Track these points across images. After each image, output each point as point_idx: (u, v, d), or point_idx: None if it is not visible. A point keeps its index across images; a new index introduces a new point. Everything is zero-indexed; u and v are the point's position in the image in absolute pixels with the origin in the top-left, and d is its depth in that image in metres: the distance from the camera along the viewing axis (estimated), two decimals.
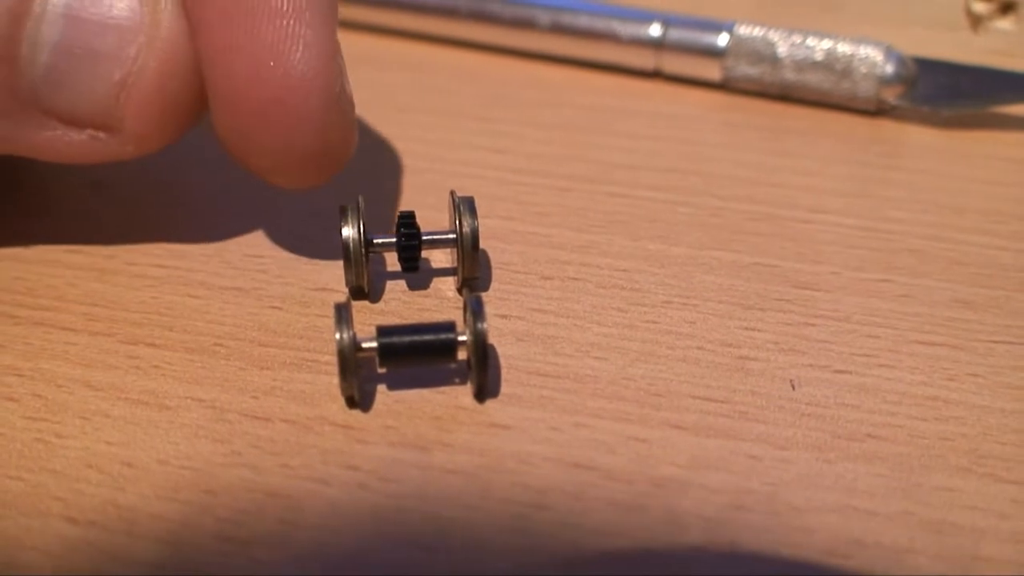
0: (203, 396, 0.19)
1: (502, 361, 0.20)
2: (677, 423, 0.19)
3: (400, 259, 0.21)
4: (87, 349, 0.20)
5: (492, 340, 0.20)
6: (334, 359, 0.19)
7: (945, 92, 0.27)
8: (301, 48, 0.19)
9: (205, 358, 0.20)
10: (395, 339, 0.19)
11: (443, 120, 0.28)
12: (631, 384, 0.20)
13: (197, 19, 0.19)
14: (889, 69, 0.27)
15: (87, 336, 0.20)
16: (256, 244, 0.23)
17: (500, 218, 0.24)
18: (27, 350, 0.20)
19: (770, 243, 0.23)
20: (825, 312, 0.21)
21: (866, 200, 0.24)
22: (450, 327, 0.19)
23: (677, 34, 0.29)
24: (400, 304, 0.21)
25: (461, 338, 0.19)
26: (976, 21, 0.32)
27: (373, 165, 0.25)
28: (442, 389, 0.19)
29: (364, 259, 0.21)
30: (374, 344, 0.19)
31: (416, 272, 0.22)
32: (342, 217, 0.20)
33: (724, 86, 0.29)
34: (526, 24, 0.30)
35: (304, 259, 0.22)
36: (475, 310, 0.18)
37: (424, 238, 0.21)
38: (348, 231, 0.20)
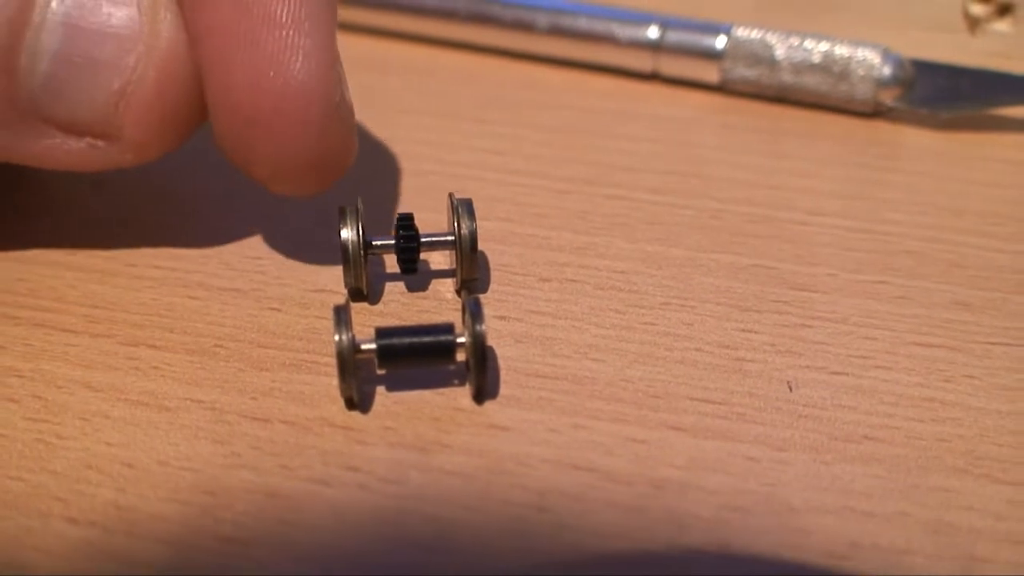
0: (203, 397, 0.19)
1: (501, 363, 0.20)
2: (675, 425, 0.19)
3: (399, 261, 0.21)
4: (87, 350, 0.20)
5: (491, 342, 0.20)
6: (333, 360, 0.19)
7: (943, 94, 0.27)
8: (300, 58, 0.19)
9: (205, 359, 0.20)
10: (394, 341, 0.19)
11: (442, 122, 0.28)
12: (629, 386, 0.20)
13: (196, 29, 0.19)
14: (887, 71, 0.27)
15: (87, 337, 0.21)
16: (255, 246, 0.23)
17: (498, 220, 0.24)
18: (27, 351, 0.20)
19: (768, 245, 0.23)
20: (822, 314, 0.21)
21: (864, 202, 0.25)
22: (449, 329, 0.19)
23: (675, 36, 0.29)
24: (399, 306, 0.21)
25: (460, 340, 0.19)
26: (974, 23, 0.32)
27: (372, 167, 0.26)
28: (441, 391, 0.19)
29: (363, 261, 0.21)
30: (373, 346, 0.19)
31: (415, 274, 0.22)
32: (341, 219, 0.21)
33: (722, 88, 0.29)
34: (525, 26, 0.30)
35: (303, 261, 0.22)
36: (474, 312, 0.19)
37: (423, 240, 0.21)
38: (347, 233, 0.20)
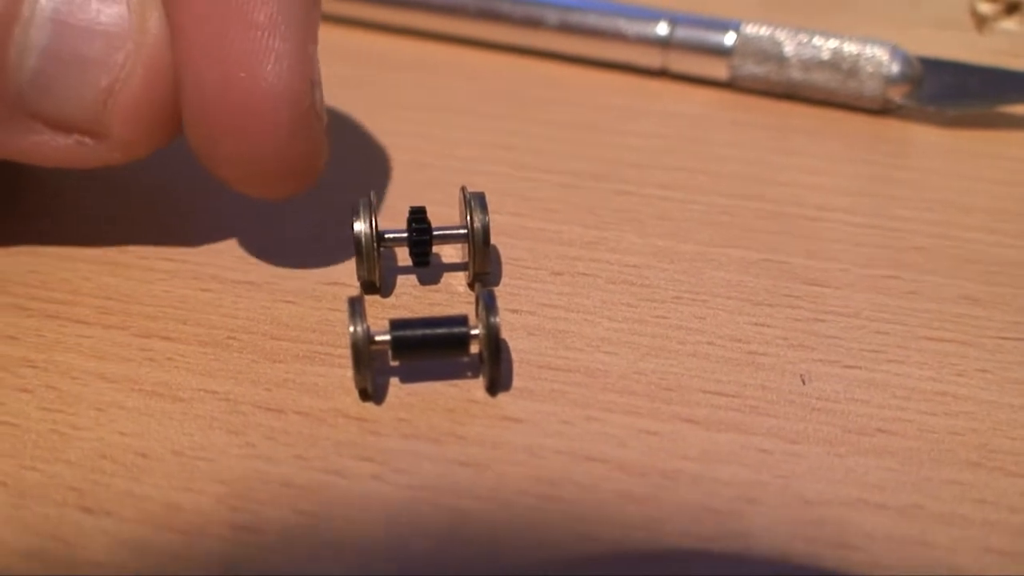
0: (217, 388, 0.19)
1: (513, 355, 0.20)
2: (688, 417, 0.19)
3: (411, 254, 0.21)
4: (101, 342, 0.20)
5: (503, 334, 0.20)
6: (347, 352, 0.19)
7: (951, 92, 0.27)
8: (273, 60, 0.19)
9: (218, 351, 0.20)
10: (408, 332, 0.19)
11: (452, 118, 0.28)
12: (642, 378, 0.20)
13: (174, 25, 0.19)
14: (895, 69, 0.27)
15: (100, 329, 0.21)
16: (268, 239, 0.23)
17: (509, 214, 0.24)
18: (41, 342, 0.20)
19: (778, 240, 0.23)
20: (834, 308, 0.21)
21: (873, 198, 0.25)
22: (463, 321, 0.19)
23: (684, 33, 0.29)
24: (411, 299, 0.21)
25: (474, 332, 0.19)
26: (981, 21, 0.32)
27: (383, 162, 0.26)
28: (454, 382, 0.19)
29: (376, 254, 0.21)
30: (387, 337, 0.19)
31: (427, 267, 0.22)
32: (354, 212, 0.21)
33: (731, 85, 0.29)
34: (534, 23, 0.30)
35: (316, 254, 0.22)
36: (488, 304, 0.19)
37: (435, 233, 0.21)
38: (360, 226, 0.20)
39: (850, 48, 0.27)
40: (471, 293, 0.22)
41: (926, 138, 0.27)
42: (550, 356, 0.20)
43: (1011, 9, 0.32)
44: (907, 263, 0.22)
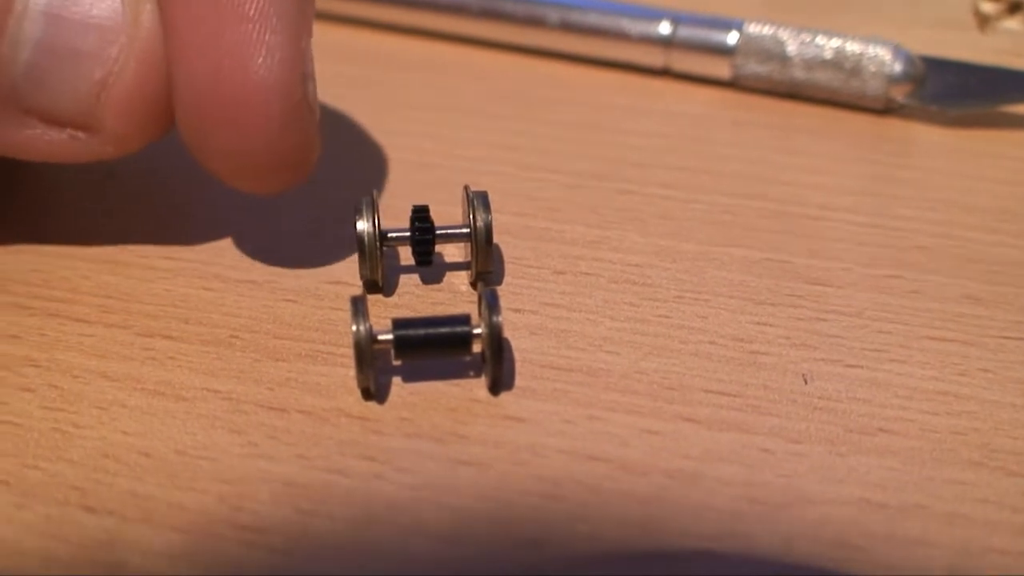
0: (219, 387, 0.19)
1: (516, 354, 0.20)
2: (690, 416, 0.19)
3: (414, 253, 0.21)
4: (102, 340, 0.20)
5: (506, 334, 0.20)
6: (349, 351, 0.19)
7: (953, 91, 0.27)
8: (263, 53, 0.19)
9: (221, 350, 0.20)
10: (411, 331, 0.19)
11: (454, 117, 0.28)
12: (644, 378, 0.20)
13: (166, 18, 0.19)
14: (898, 68, 0.27)
15: (102, 328, 0.21)
16: (270, 237, 0.23)
17: (511, 214, 0.24)
18: (42, 341, 0.20)
19: (781, 239, 0.23)
20: (836, 307, 0.21)
21: (875, 198, 0.25)
22: (465, 320, 0.19)
23: (687, 32, 0.29)
24: (413, 298, 0.21)
25: (476, 331, 0.19)
26: (984, 21, 0.32)
27: (387, 160, 0.26)
28: (457, 382, 0.19)
29: (378, 253, 0.21)
30: (390, 336, 0.19)
31: (430, 266, 0.22)
32: (356, 211, 0.21)
33: (733, 84, 0.29)
34: (536, 22, 0.30)
35: (318, 253, 0.22)
36: (490, 303, 0.19)
37: (438, 232, 0.21)
38: (363, 225, 0.20)
39: (853, 47, 0.27)
40: (474, 292, 0.22)
41: (929, 137, 0.27)
42: (552, 355, 0.20)
43: (1013, 9, 0.32)
44: (909, 262, 0.22)
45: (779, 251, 0.23)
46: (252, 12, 0.19)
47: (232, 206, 0.24)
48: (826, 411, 0.19)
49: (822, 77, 0.28)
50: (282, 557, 0.17)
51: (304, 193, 0.23)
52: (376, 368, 0.19)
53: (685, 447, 0.18)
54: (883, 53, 0.27)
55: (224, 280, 0.22)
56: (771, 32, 0.28)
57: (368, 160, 0.26)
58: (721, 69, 0.29)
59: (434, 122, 0.27)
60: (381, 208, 0.21)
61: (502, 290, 0.21)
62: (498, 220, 0.22)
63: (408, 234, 0.21)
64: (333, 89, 0.27)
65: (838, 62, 0.27)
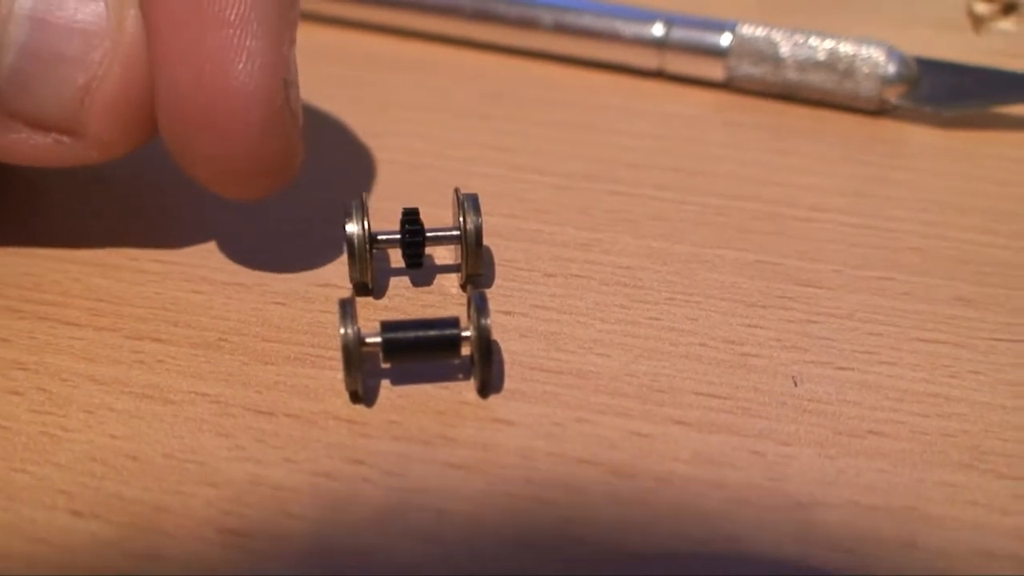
0: (207, 391, 0.19)
1: (505, 357, 0.20)
2: (680, 419, 0.19)
3: (404, 255, 0.21)
4: (92, 344, 0.20)
5: (495, 336, 0.20)
6: (338, 354, 0.19)
7: (947, 92, 0.27)
8: (244, 58, 0.19)
9: (209, 353, 0.20)
10: (399, 334, 0.19)
11: (447, 118, 0.28)
12: (634, 380, 0.20)
13: (149, 23, 0.19)
14: (891, 69, 0.27)
15: (91, 331, 0.21)
16: (259, 240, 0.23)
17: (503, 216, 0.24)
18: (32, 344, 0.20)
19: (773, 241, 0.23)
20: (827, 309, 0.21)
21: (868, 199, 0.25)
22: (454, 323, 0.19)
23: (680, 34, 0.29)
24: (403, 300, 0.21)
25: (465, 334, 0.19)
26: (978, 22, 0.32)
27: (377, 162, 0.26)
28: (446, 384, 0.19)
29: (368, 255, 0.21)
30: (378, 339, 0.19)
31: (420, 268, 0.22)
32: (346, 213, 0.21)
33: (727, 86, 0.29)
34: (529, 23, 0.30)
35: (307, 255, 0.22)
36: (479, 306, 0.19)
37: (428, 235, 0.21)
38: (352, 227, 0.20)
39: (846, 49, 0.27)
40: (464, 295, 0.21)
41: (922, 139, 0.27)
42: (542, 358, 0.20)
43: (1008, 9, 0.32)
44: (901, 264, 0.22)
45: (771, 253, 0.23)
46: (233, 17, 0.19)
47: (222, 209, 0.23)
48: (816, 413, 0.19)
49: (815, 78, 0.28)
50: (270, 561, 0.17)
51: (294, 195, 0.23)
52: (364, 371, 0.19)
53: (675, 450, 0.18)
54: (876, 54, 0.27)
55: (213, 283, 0.22)
56: (764, 34, 0.28)
57: (358, 162, 0.25)
58: (714, 71, 0.29)
59: (425, 123, 0.27)
60: (371, 210, 0.21)
61: (492, 292, 0.21)
62: (489, 222, 0.22)
63: (398, 236, 0.21)
64: (324, 90, 0.27)
65: (831, 63, 0.27)
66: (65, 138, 0.20)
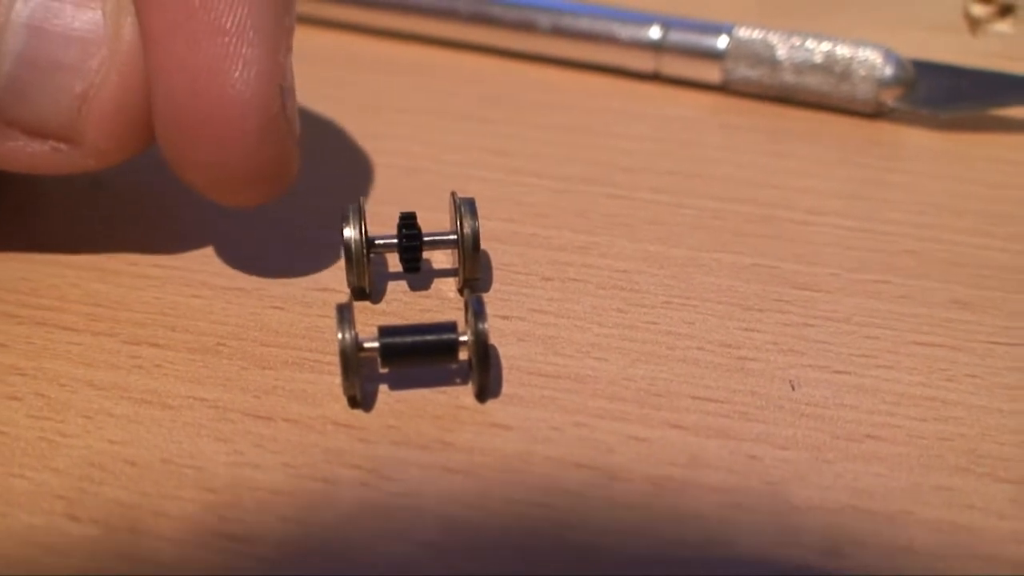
0: (206, 395, 0.19)
1: (503, 361, 0.20)
2: (677, 423, 0.19)
3: (401, 260, 0.21)
4: (90, 349, 0.20)
5: (493, 340, 0.20)
6: (336, 359, 0.19)
7: (944, 94, 0.27)
8: (240, 67, 0.19)
9: (208, 358, 0.20)
10: (397, 339, 0.19)
11: (443, 122, 0.28)
12: (631, 384, 0.20)
13: (145, 31, 0.19)
14: (888, 72, 0.27)
15: (90, 336, 0.21)
16: (258, 245, 0.23)
17: (500, 219, 0.24)
18: (30, 349, 0.20)
19: (769, 244, 0.23)
20: (824, 313, 0.21)
21: (865, 202, 0.25)
22: (451, 327, 0.19)
23: (677, 36, 0.29)
24: (401, 305, 0.21)
25: (462, 338, 0.19)
26: (975, 24, 0.32)
27: (374, 166, 0.26)
28: (443, 389, 0.19)
29: (365, 260, 0.21)
30: (376, 344, 0.19)
31: (417, 273, 0.22)
32: (343, 218, 0.21)
33: (724, 88, 0.29)
34: (527, 26, 0.30)
35: (305, 260, 0.22)
36: (476, 310, 0.19)
37: (425, 239, 0.21)
38: (350, 232, 0.20)
39: (843, 51, 0.27)
40: (461, 299, 0.22)
41: (919, 141, 0.27)
42: (540, 362, 0.20)
43: (1004, 12, 0.32)
44: (898, 267, 0.22)
45: (767, 256, 0.23)
46: (229, 25, 0.19)
47: (221, 213, 0.23)
48: (813, 417, 0.19)
49: (812, 81, 0.28)
50: (268, 566, 0.17)
51: (291, 200, 0.23)
52: (362, 376, 0.19)
53: (672, 454, 0.18)
54: (873, 57, 0.27)
55: (212, 287, 0.22)
56: (761, 36, 0.28)
57: (355, 166, 0.26)
58: (711, 73, 0.29)
59: (422, 126, 0.27)
60: (368, 215, 0.21)
61: (490, 296, 0.21)
62: (486, 226, 0.22)
63: (395, 241, 0.21)
64: (320, 94, 0.27)
65: (828, 66, 0.27)
66: (62, 145, 0.20)
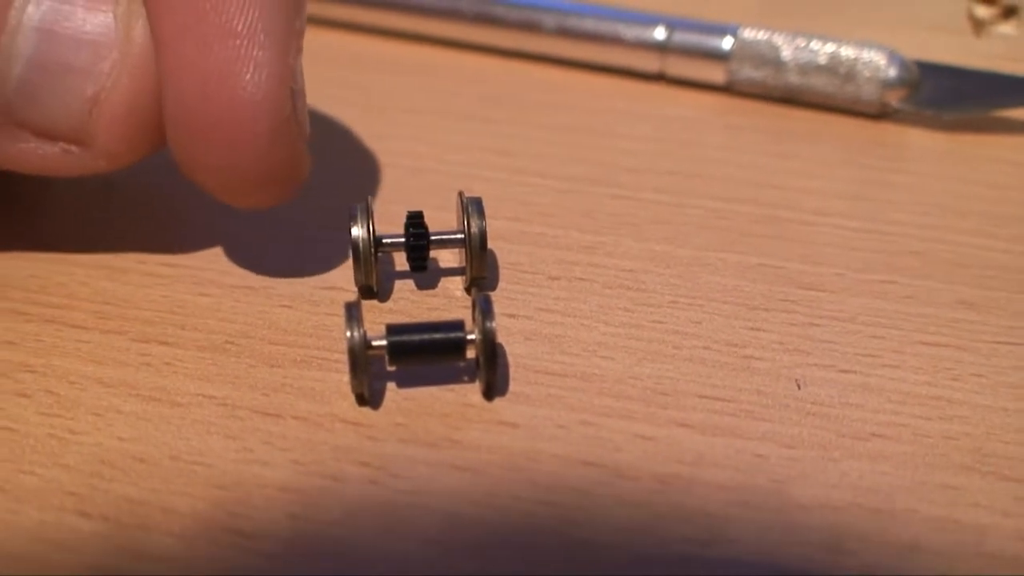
0: (214, 393, 0.19)
1: (510, 360, 0.20)
2: (683, 421, 0.19)
3: (409, 259, 0.21)
4: (99, 347, 0.20)
5: (500, 339, 0.20)
6: (344, 357, 0.19)
7: (948, 96, 0.27)
8: (251, 69, 0.19)
9: (216, 355, 0.20)
10: (405, 337, 0.19)
11: (450, 122, 0.28)
12: (637, 383, 0.20)
13: (156, 34, 0.19)
14: (892, 73, 0.27)
15: (98, 334, 0.21)
16: (266, 244, 0.23)
17: (506, 219, 0.24)
18: (39, 347, 0.20)
19: (775, 245, 0.23)
20: (830, 313, 0.21)
21: (869, 202, 0.25)
22: (459, 326, 0.19)
23: (681, 37, 0.29)
24: (408, 303, 0.22)
25: (470, 337, 0.19)
26: (978, 25, 0.32)
27: (381, 166, 0.26)
28: (451, 387, 0.20)
29: (373, 259, 0.21)
30: (384, 342, 0.19)
31: (424, 272, 0.22)
32: (351, 217, 0.21)
33: (728, 89, 0.29)
34: (532, 27, 0.30)
35: (313, 259, 0.22)
36: (484, 309, 0.19)
37: (432, 238, 0.21)
38: (357, 231, 0.21)
39: (847, 52, 0.28)
40: (468, 298, 0.22)
41: (923, 142, 0.27)
42: (546, 361, 0.20)
43: (1008, 13, 0.32)
44: (903, 267, 0.23)
45: (773, 256, 0.23)
46: (240, 28, 0.19)
47: (229, 213, 0.23)
48: (819, 416, 0.19)
49: (817, 82, 0.28)
50: (276, 563, 0.17)
51: (299, 199, 0.23)
52: (370, 374, 0.19)
53: (678, 452, 0.18)
54: (878, 58, 0.27)
55: (220, 286, 0.22)
56: (766, 37, 0.28)
57: (362, 165, 0.26)
58: (716, 74, 0.29)
59: (428, 127, 0.27)
60: (375, 214, 0.21)
61: (497, 295, 0.22)
62: (492, 225, 0.22)
63: (403, 240, 0.21)
64: (326, 93, 0.27)
65: (833, 67, 0.28)
66: (73, 148, 0.20)
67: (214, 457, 0.18)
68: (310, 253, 0.23)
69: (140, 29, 0.19)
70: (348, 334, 0.18)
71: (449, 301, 0.22)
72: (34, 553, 0.17)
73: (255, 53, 0.19)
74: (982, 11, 0.32)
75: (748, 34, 0.28)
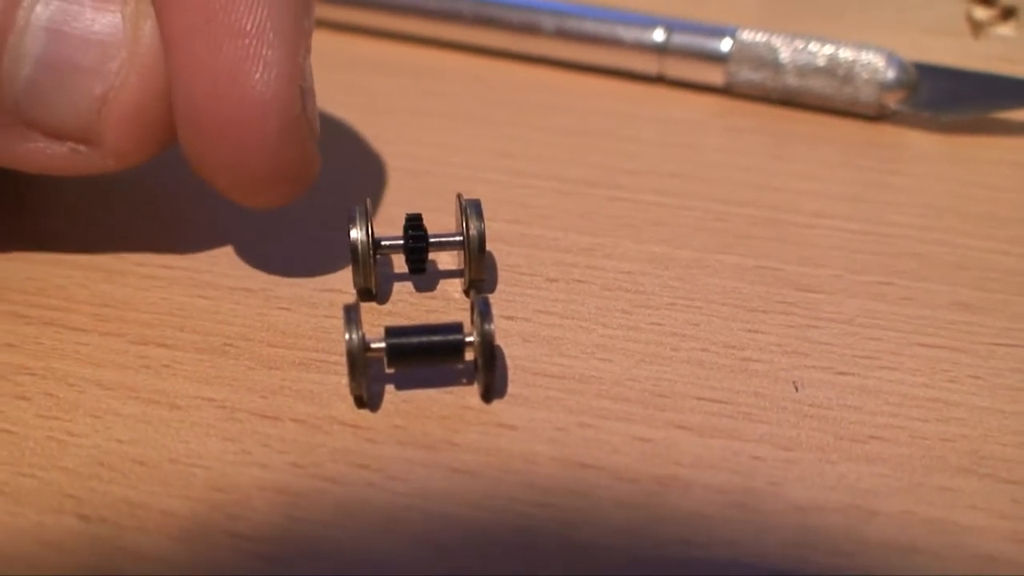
0: (213, 395, 0.19)
1: (508, 362, 0.20)
2: (681, 424, 0.19)
3: (407, 261, 0.21)
4: (98, 349, 0.20)
5: (498, 341, 0.20)
6: (342, 359, 0.19)
7: (946, 97, 0.27)
8: (261, 68, 0.19)
9: (215, 358, 0.20)
10: (404, 340, 0.19)
11: (449, 124, 0.28)
12: (636, 385, 0.20)
13: (165, 34, 0.19)
14: (891, 75, 0.27)
15: (97, 336, 0.21)
16: (264, 246, 0.23)
17: (505, 221, 0.24)
18: (38, 350, 0.20)
19: (773, 247, 0.23)
20: (827, 315, 0.21)
21: (868, 204, 0.25)
22: (458, 328, 0.19)
23: (680, 39, 0.29)
24: (407, 305, 0.22)
25: (468, 339, 0.19)
26: (977, 27, 0.32)
27: (380, 168, 0.26)
28: (449, 389, 0.20)
29: (372, 261, 0.21)
30: (383, 344, 0.19)
31: (423, 274, 0.22)
32: (350, 219, 0.21)
33: (727, 91, 0.29)
34: (531, 29, 0.30)
35: (312, 261, 0.22)
36: (482, 311, 0.19)
37: (431, 240, 0.21)
38: (356, 233, 0.21)
39: (846, 54, 0.28)
40: (467, 300, 0.22)
41: (921, 144, 0.27)
42: (545, 363, 0.20)
43: (1006, 15, 0.32)
44: (901, 269, 0.23)
45: (771, 258, 0.23)
46: (250, 27, 0.19)
47: (228, 215, 0.24)
48: (817, 418, 0.19)
49: (815, 84, 0.28)
50: (275, 565, 0.17)
51: (298, 201, 0.23)
52: (369, 376, 0.19)
53: (676, 454, 0.18)
54: (876, 60, 0.27)
55: (219, 288, 0.22)
56: (764, 39, 0.28)
57: (361, 167, 0.26)
58: (715, 76, 0.29)
59: (427, 128, 0.27)
60: (374, 216, 0.21)
61: (495, 297, 0.22)
62: (491, 227, 0.22)
63: (401, 242, 0.21)
64: (325, 95, 0.27)
65: (831, 69, 0.28)
66: (82, 147, 0.20)
67: (212, 459, 0.18)
68: (309, 255, 0.23)
69: (148, 29, 0.19)
70: (347, 336, 0.18)
71: (448, 303, 0.22)
72: (33, 555, 0.17)
73: (264, 52, 0.19)
74: (980, 13, 0.32)
75: (747, 36, 0.28)
